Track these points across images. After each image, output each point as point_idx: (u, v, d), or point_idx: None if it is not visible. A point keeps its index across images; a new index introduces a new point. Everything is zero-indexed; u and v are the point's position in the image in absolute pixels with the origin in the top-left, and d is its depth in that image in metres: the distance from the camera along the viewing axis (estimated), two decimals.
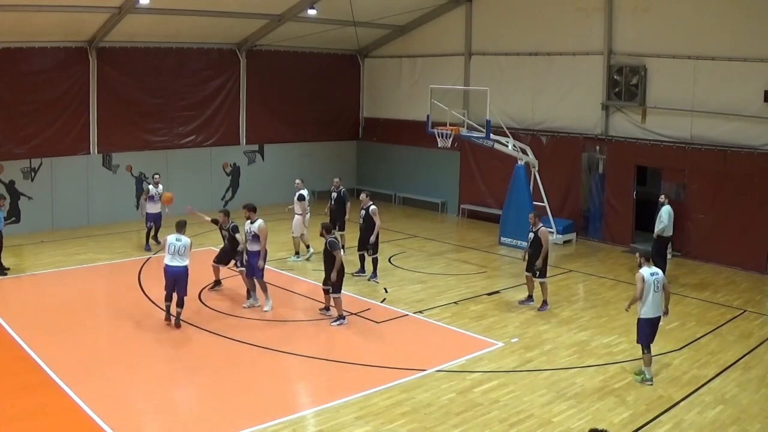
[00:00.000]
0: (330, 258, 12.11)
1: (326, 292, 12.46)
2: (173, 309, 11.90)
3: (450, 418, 8.83)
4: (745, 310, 13.39)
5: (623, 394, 9.56)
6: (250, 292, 13.09)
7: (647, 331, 9.86)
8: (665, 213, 14.74)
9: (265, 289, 12.92)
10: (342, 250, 13.18)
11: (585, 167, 19.40)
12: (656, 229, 14.90)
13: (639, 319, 9.89)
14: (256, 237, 12.74)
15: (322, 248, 12.65)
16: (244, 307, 12.96)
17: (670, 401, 9.36)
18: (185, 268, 11.78)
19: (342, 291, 12.28)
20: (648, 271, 9.78)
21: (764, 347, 11.48)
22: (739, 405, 9.33)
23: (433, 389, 9.66)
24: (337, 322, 12.20)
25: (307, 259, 16.37)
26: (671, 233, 15.03)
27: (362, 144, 25.70)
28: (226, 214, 13.71)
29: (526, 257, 13.26)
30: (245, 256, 13.00)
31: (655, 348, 11.00)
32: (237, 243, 13.27)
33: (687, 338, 11.80)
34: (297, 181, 16.96)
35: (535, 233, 13.02)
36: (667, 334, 11.91)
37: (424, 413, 8.96)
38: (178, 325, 11.80)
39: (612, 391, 9.68)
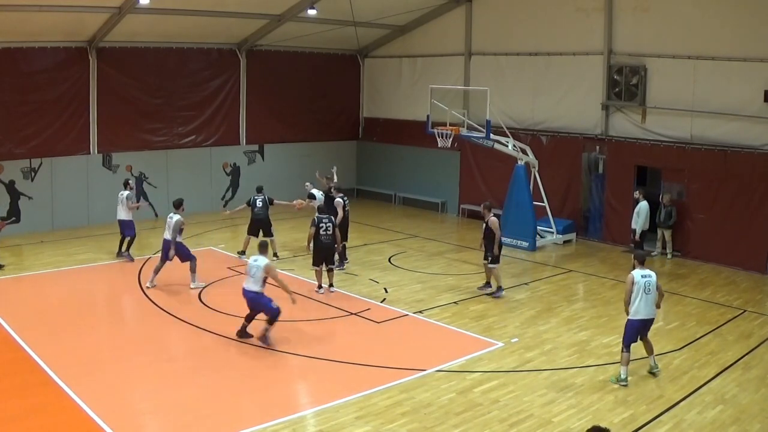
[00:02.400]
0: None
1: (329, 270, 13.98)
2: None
3: (450, 418, 8.83)
4: (745, 310, 13.38)
5: (623, 394, 9.56)
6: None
7: (632, 331, 9.84)
8: (643, 210, 15.62)
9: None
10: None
11: (585, 167, 19.40)
12: (637, 228, 15.74)
13: (627, 320, 9.91)
14: None
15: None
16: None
17: (670, 401, 9.35)
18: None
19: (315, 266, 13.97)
20: (639, 273, 9.77)
21: (764, 347, 11.48)
22: (739, 405, 9.32)
23: (433, 389, 9.65)
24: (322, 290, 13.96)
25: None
26: (647, 227, 15.92)
27: (362, 144, 25.69)
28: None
29: (483, 246, 14.06)
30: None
31: (655, 348, 11.03)
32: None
33: (687, 338, 11.80)
34: (307, 183, 17.40)
35: (486, 224, 13.79)
36: (667, 334, 11.92)
37: (424, 413, 8.95)
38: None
39: (612, 391, 9.68)
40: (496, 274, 13.91)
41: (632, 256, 10.19)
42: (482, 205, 14.36)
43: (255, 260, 11.17)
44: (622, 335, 9.98)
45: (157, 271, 13.96)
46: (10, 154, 18.26)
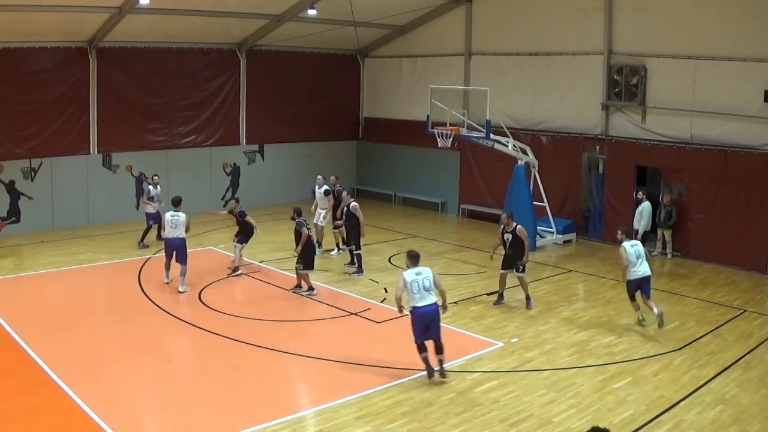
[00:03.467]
0: (297, 235, 13.77)
1: (297, 269, 13.84)
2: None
3: (450, 418, 8.83)
4: (745, 310, 13.38)
5: (623, 394, 9.56)
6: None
7: (633, 286, 11.91)
8: (647, 210, 15.78)
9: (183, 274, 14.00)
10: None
11: (585, 167, 19.40)
12: (640, 228, 15.65)
13: (627, 281, 11.90)
14: None
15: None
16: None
17: (670, 401, 9.35)
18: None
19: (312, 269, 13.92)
20: (628, 244, 11.87)
21: (764, 347, 11.48)
22: (739, 405, 9.32)
23: (433, 389, 9.65)
24: (306, 293, 13.73)
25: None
26: (649, 228, 16.19)
27: (362, 144, 25.70)
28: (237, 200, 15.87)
29: (494, 255, 13.65)
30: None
31: (655, 348, 11.06)
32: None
33: (687, 338, 11.79)
34: (319, 177, 17.55)
35: (513, 233, 13.09)
36: (667, 334, 11.90)
37: (424, 413, 8.95)
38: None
39: (612, 391, 9.68)
40: (525, 284, 13.34)
41: (618, 231, 12.38)
42: (505, 214, 13.47)
43: (419, 273, 9.78)
44: (626, 291, 12.07)
45: (168, 267, 14.06)
46: (10, 154, 18.27)
